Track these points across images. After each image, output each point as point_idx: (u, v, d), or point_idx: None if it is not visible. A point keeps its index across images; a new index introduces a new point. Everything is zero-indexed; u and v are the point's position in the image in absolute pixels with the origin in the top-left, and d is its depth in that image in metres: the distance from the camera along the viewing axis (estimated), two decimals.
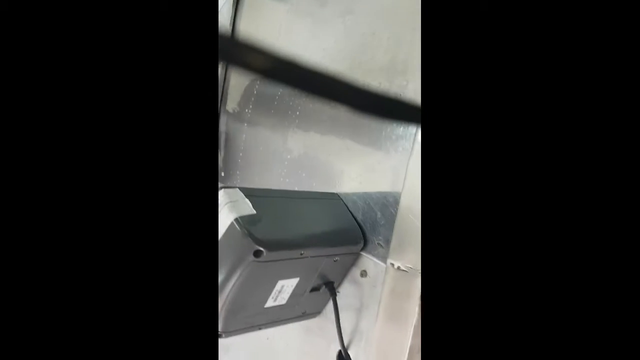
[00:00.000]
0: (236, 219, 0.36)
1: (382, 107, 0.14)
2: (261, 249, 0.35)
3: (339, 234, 0.43)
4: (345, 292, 0.46)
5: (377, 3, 0.47)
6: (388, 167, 0.43)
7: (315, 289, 0.44)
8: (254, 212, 0.38)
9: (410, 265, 0.37)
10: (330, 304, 0.46)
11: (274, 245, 0.36)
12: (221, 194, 0.38)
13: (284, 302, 0.42)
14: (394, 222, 0.41)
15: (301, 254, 0.38)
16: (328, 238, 0.41)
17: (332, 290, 0.44)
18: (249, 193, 0.39)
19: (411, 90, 0.42)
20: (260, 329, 0.43)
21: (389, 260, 0.38)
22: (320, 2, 0.53)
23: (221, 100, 0.73)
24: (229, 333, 0.40)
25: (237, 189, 0.39)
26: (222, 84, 0.72)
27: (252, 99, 0.66)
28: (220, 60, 0.12)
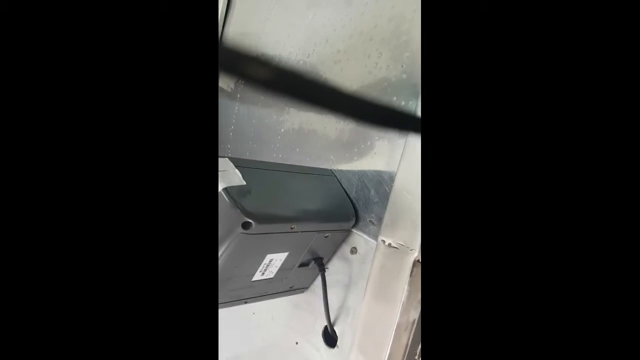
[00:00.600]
0: (225, 189, 0.35)
1: (383, 118, 0.15)
2: (250, 221, 0.34)
3: (331, 210, 0.42)
4: (334, 269, 0.45)
5: None
6: (385, 145, 0.42)
7: (304, 264, 0.43)
8: (244, 183, 0.36)
9: (401, 242, 0.36)
10: (319, 279, 0.45)
11: (263, 218, 0.35)
12: None
13: (271, 275, 0.42)
14: (387, 199, 0.41)
15: (292, 228, 0.37)
16: (320, 213, 0.41)
17: (321, 266, 0.44)
18: (240, 164, 0.38)
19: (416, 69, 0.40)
20: (246, 302, 0.43)
21: (380, 237, 0.38)
22: None
23: None
24: None
25: (227, 158, 0.38)
26: None
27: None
28: (223, 72, 0.13)
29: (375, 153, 0.43)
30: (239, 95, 0.64)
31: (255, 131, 0.61)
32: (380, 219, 0.41)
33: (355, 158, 0.45)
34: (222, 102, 0.68)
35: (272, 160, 0.58)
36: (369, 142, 0.44)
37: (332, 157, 0.48)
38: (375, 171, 0.43)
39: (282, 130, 0.56)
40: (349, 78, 0.46)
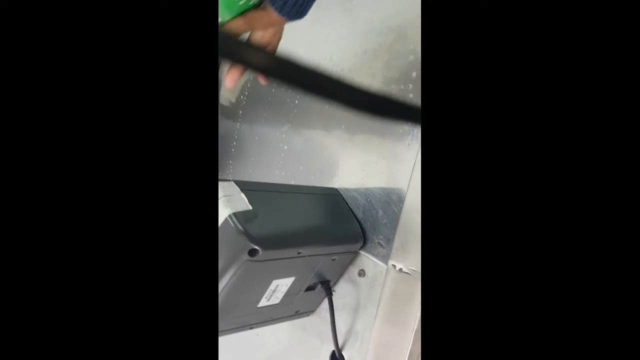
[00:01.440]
0: (231, 215, 0.34)
1: (380, 107, 0.15)
2: (257, 247, 0.33)
3: (338, 232, 0.41)
4: (342, 292, 0.44)
5: None
6: (392, 163, 0.41)
7: (310, 288, 0.42)
8: (250, 207, 0.35)
9: (413, 268, 0.35)
10: (325, 302, 0.44)
11: (270, 244, 0.34)
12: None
13: (277, 301, 0.40)
14: (396, 221, 0.40)
15: (298, 253, 0.36)
16: (327, 236, 0.40)
17: (328, 290, 0.43)
18: (245, 187, 0.37)
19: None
20: (251, 328, 0.41)
21: (391, 262, 0.37)
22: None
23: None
24: (220, 333, 0.38)
25: (232, 182, 0.37)
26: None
27: (249, 83, 0.63)
28: (221, 57, 0.13)
29: (381, 169, 0.42)
30: (240, 112, 0.63)
31: (257, 148, 0.60)
32: (388, 241, 0.40)
33: (362, 176, 0.44)
34: (223, 119, 0.67)
35: (275, 177, 0.57)
36: (375, 159, 0.43)
37: (337, 174, 0.47)
38: (382, 190, 0.42)
39: (286, 147, 0.55)
40: None
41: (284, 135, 0.55)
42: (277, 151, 0.56)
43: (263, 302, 0.39)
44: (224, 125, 0.67)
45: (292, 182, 0.54)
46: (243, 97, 0.64)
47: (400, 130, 0.41)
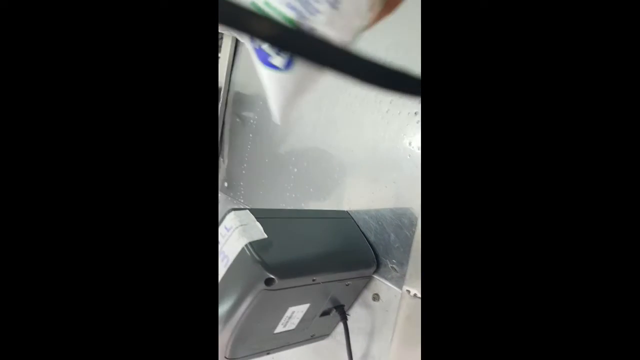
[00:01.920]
0: (247, 245, 0.34)
1: (387, 79, 0.14)
2: (273, 276, 0.34)
3: (352, 257, 0.42)
4: (356, 316, 0.44)
5: None
6: (403, 185, 0.42)
7: (325, 313, 0.43)
8: (265, 236, 0.36)
9: None
10: (341, 325, 0.44)
11: (285, 273, 0.35)
12: (231, 216, 0.37)
13: (293, 327, 0.41)
14: (408, 245, 0.40)
15: (313, 280, 0.37)
16: (340, 262, 0.40)
17: (343, 314, 0.43)
18: (260, 215, 0.38)
19: None
20: (268, 353, 0.42)
21: (405, 287, 0.37)
22: None
23: (225, 108, 0.71)
24: None
25: (248, 210, 0.38)
26: (225, 91, 0.70)
27: (258, 107, 0.64)
28: (224, 25, 0.12)
29: (391, 191, 0.43)
30: (251, 135, 0.65)
31: (267, 170, 0.61)
32: (402, 265, 0.41)
33: (372, 198, 0.45)
34: (236, 135, 0.68)
35: (286, 199, 0.57)
36: (384, 183, 0.43)
37: (346, 195, 0.47)
38: (393, 212, 0.42)
39: (295, 170, 0.56)
40: (361, 123, 0.46)
41: (293, 158, 0.56)
42: (287, 174, 0.57)
43: (279, 328, 0.40)
44: (234, 143, 0.68)
45: (303, 204, 0.55)
46: (253, 121, 0.65)
47: (416, 149, 0.41)
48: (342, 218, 0.46)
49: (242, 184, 0.67)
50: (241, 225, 0.36)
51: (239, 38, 0.69)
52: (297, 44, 0.13)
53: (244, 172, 0.66)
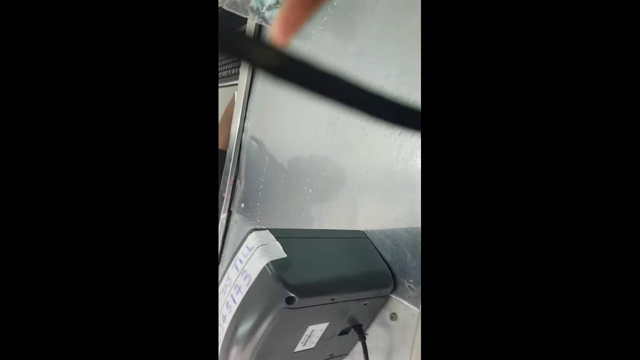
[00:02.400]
0: (268, 264, 0.36)
1: (396, 114, 0.14)
2: (293, 295, 0.35)
3: (369, 277, 0.42)
4: (374, 335, 0.44)
5: None
6: (417, 205, 0.43)
7: (344, 332, 0.43)
8: (285, 255, 0.37)
9: None
10: (359, 345, 0.45)
11: (305, 292, 0.36)
12: (253, 236, 0.38)
13: (312, 346, 0.41)
14: None
15: (332, 300, 0.38)
16: (358, 282, 0.41)
17: (361, 333, 0.43)
18: (279, 235, 0.39)
19: None
20: None
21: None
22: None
23: (242, 132, 0.73)
24: None
25: (268, 231, 0.39)
26: (243, 117, 0.73)
27: (274, 131, 0.66)
28: (226, 54, 0.12)
29: (404, 210, 0.44)
30: (267, 158, 0.67)
31: (283, 191, 0.63)
32: (419, 284, 0.41)
33: (387, 219, 0.46)
34: (253, 161, 0.70)
35: (302, 219, 0.59)
36: (398, 203, 0.44)
37: (361, 216, 0.49)
38: (408, 232, 0.43)
39: (310, 190, 0.57)
40: (374, 145, 0.48)
41: (308, 180, 0.58)
42: (303, 195, 0.59)
43: (299, 347, 0.40)
44: (251, 164, 0.70)
45: (318, 225, 0.56)
46: (269, 144, 0.67)
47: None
48: (359, 238, 0.47)
49: (258, 204, 0.69)
50: (262, 244, 0.37)
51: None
52: (301, 76, 0.12)
53: (260, 193, 0.68)
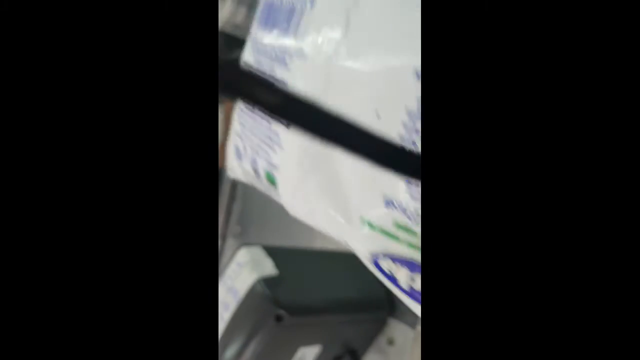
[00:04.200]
0: (258, 280, 0.34)
1: (403, 162, 0.13)
2: (283, 312, 0.33)
3: (365, 298, 0.41)
4: None
5: None
6: None
7: (337, 358, 0.41)
8: (276, 272, 0.36)
9: None
10: None
11: (296, 310, 0.34)
12: (243, 252, 0.37)
13: None
14: None
15: (324, 320, 0.36)
16: (353, 303, 0.39)
17: None
18: (271, 252, 0.38)
19: None
20: None
21: (419, 327, 0.35)
22: None
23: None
24: None
25: (259, 247, 0.38)
26: None
27: None
28: (225, 92, 0.11)
29: None
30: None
31: (279, 213, 0.62)
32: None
33: None
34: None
35: (297, 239, 0.57)
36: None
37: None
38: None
39: None
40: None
41: None
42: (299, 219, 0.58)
43: None
44: (249, 187, 0.70)
45: (314, 244, 0.54)
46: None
47: None
48: (354, 257, 0.45)
49: (254, 229, 0.67)
50: (252, 260, 0.36)
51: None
52: (303, 118, 0.12)
53: (255, 217, 0.67)
